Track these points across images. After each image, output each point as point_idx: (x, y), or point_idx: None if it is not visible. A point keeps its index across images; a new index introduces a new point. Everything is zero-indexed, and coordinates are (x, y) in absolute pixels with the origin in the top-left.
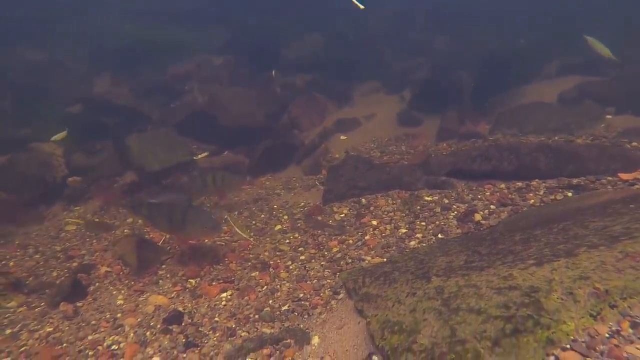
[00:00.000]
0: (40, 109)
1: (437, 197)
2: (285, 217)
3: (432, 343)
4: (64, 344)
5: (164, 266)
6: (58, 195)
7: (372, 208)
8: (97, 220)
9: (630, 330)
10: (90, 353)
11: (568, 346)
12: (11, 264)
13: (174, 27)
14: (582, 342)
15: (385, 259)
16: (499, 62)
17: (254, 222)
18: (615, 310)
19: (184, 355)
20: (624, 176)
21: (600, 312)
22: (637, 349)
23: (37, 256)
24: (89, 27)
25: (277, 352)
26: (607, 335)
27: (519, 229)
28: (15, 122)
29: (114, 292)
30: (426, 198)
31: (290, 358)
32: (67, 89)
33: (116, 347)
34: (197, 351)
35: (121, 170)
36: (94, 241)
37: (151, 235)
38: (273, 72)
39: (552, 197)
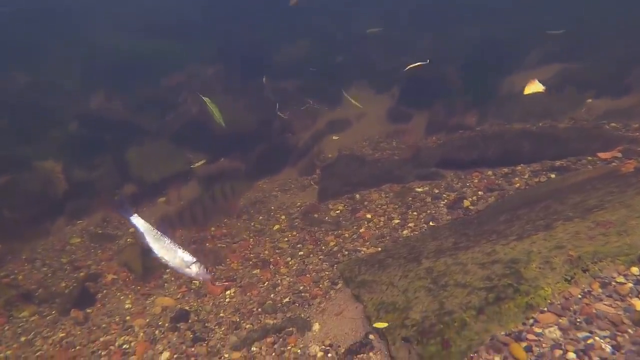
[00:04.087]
0: (37, 128)
1: (427, 188)
2: (283, 217)
3: (422, 317)
4: (77, 347)
5: (168, 270)
6: (61, 210)
7: (366, 202)
8: (100, 232)
9: (600, 290)
10: (102, 353)
11: (545, 309)
12: (20, 277)
13: (163, 40)
14: (558, 304)
15: (379, 249)
16: (483, 55)
17: (253, 224)
18: (587, 273)
19: (193, 349)
20: (603, 155)
21: (573, 276)
22: (605, 305)
23: (44, 269)
24: (78, 45)
25: (281, 339)
26: (579, 296)
27: (504, 210)
28: (13, 141)
29: (122, 297)
30: (417, 189)
31: (293, 344)
32: (62, 107)
33: (127, 346)
34: (204, 345)
35: (121, 183)
36: (99, 252)
37: None
38: (264, 79)
39: (537, 179)
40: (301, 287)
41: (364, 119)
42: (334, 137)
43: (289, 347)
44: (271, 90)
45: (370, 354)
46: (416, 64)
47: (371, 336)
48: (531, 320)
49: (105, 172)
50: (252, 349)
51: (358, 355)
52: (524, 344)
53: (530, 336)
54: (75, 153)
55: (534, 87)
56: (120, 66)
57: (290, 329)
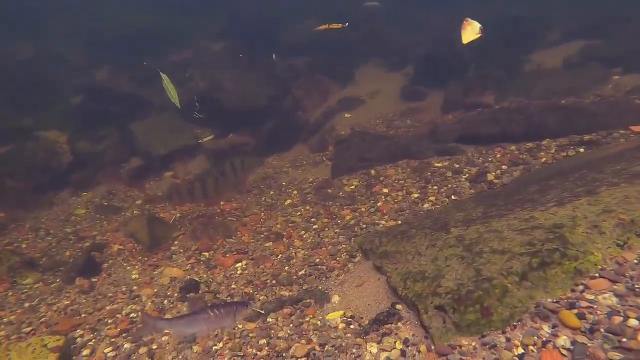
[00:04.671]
0: (41, 99)
1: (447, 163)
2: (295, 192)
3: (457, 284)
4: (83, 314)
5: (176, 242)
6: (65, 182)
7: (382, 178)
8: (105, 204)
9: None
10: (109, 321)
11: (597, 275)
12: (24, 245)
13: (171, 15)
14: (611, 269)
15: (399, 222)
16: (502, 32)
17: (263, 199)
18: None
19: None
20: (636, 128)
21: (627, 240)
22: None
23: (48, 238)
24: (85, 18)
25: (298, 311)
26: (635, 261)
27: (533, 182)
28: (16, 112)
29: (128, 268)
30: (436, 164)
31: (311, 315)
32: (67, 79)
33: (135, 315)
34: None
35: (126, 156)
36: (105, 223)
37: (162, 215)
38: (274, 56)
39: (564, 154)
40: (317, 260)
41: (377, 97)
42: (347, 115)
43: (307, 319)
44: (280, 67)
45: (399, 324)
46: (329, 26)
47: (398, 306)
48: (581, 287)
49: (110, 144)
50: (267, 319)
51: (385, 326)
52: (575, 311)
53: (583, 303)
54: (81, 124)
55: (472, 30)
56: (127, 40)
57: (308, 300)
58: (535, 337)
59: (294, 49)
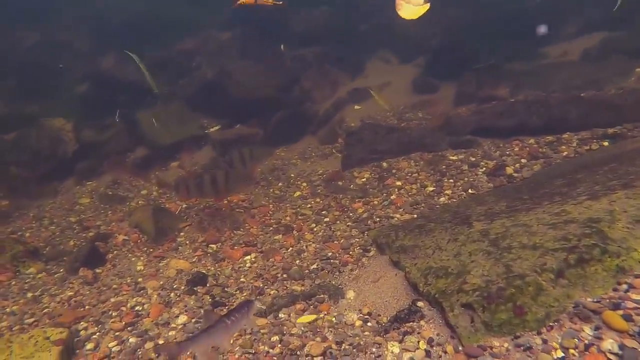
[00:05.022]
0: (47, 87)
1: (462, 156)
2: (304, 184)
3: (485, 281)
4: (87, 306)
5: (182, 233)
6: (70, 170)
7: (394, 171)
8: (110, 193)
9: None
10: (114, 314)
11: None
12: (27, 234)
13: (179, 2)
14: None
15: (415, 215)
16: (515, 24)
17: (272, 190)
18: None
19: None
20: None
21: None
22: None
23: (52, 227)
24: (92, 4)
25: (311, 306)
26: None
27: (557, 176)
28: (23, 99)
29: (133, 259)
30: (451, 157)
31: (325, 311)
32: (73, 66)
33: (140, 308)
34: (225, 310)
35: (131, 145)
36: (109, 212)
37: (167, 205)
38: (282, 46)
39: (587, 147)
40: (329, 254)
41: (387, 89)
42: (356, 107)
43: (321, 315)
44: (289, 57)
45: (422, 322)
46: (256, 1)
47: (420, 303)
48: (625, 286)
49: (116, 133)
50: (279, 315)
51: (407, 324)
52: (620, 312)
53: (629, 303)
54: (86, 113)
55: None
56: (133, 28)
57: (322, 296)
58: (576, 340)
59: (303, 39)
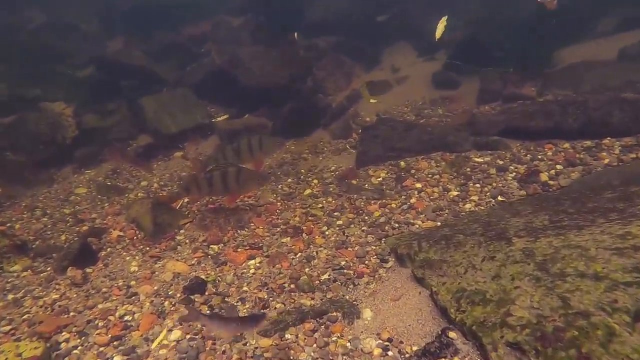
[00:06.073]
0: (50, 70)
1: (489, 158)
2: (315, 181)
3: (536, 316)
4: (72, 313)
5: (182, 231)
6: (68, 157)
7: (413, 171)
8: (109, 183)
9: None
10: (100, 324)
11: None
12: (17, 226)
13: None
14: None
15: (439, 223)
16: (543, 19)
17: (280, 187)
18: None
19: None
20: None
21: None
22: None
23: (44, 219)
24: None
25: (322, 327)
26: None
27: (602, 187)
28: (23, 82)
29: (127, 258)
30: (476, 159)
31: (338, 334)
32: (79, 50)
33: (130, 318)
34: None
35: (135, 133)
36: (106, 205)
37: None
38: (295, 34)
39: (633, 155)
40: (342, 263)
41: (405, 83)
42: (372, 100)
43: (333, 338)
44: (302, 46)
45: (455, 359)
46: None
47: (452, 334)
48: None
49: (119, 119)
50: (285, 336)
51: None
52: None
53: None
54: (89, 97)
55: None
56: (141, 12)
57: (334, 313)
58: None
59: (319, 28)
